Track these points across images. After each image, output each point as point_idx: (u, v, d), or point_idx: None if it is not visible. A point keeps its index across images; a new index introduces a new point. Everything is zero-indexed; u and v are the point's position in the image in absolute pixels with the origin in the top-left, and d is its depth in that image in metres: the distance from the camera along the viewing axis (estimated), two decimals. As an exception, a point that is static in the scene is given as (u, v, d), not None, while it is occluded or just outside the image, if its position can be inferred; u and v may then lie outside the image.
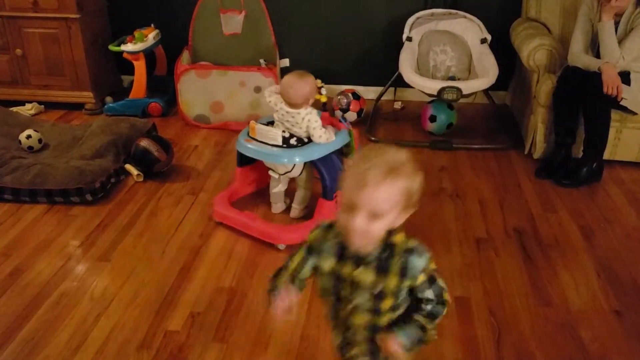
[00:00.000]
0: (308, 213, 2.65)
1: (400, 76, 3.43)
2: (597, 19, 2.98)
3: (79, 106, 3.84)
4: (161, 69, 4.08)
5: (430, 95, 3.33)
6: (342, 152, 2.59)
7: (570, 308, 2.11)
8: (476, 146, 3.40)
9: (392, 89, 4.09)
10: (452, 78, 3.57)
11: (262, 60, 3.81)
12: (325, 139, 2.42)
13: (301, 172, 2.54)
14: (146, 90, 3.78)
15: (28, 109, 3.78)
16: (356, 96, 3.69)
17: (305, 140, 2.42)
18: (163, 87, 3.94)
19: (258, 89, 3.53)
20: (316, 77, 4.11)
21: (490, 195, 2.88)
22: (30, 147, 3.11)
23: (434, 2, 3.79)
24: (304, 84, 2.36)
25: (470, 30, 3.57)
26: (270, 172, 2.55)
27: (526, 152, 3.30)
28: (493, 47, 3.50)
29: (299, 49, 4.09)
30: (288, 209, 2.70)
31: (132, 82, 3.78)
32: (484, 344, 1.94)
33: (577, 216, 2.71)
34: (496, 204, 2.81)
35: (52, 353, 1.90)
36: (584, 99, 2.95)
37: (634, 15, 2.91)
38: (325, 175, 2.44)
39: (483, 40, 3.50)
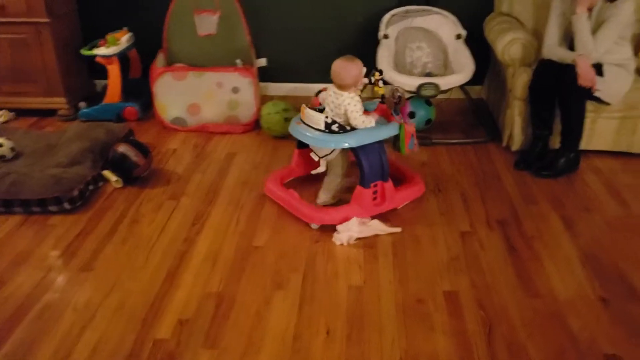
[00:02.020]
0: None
1: (377, 73, 3.42)
2: (571, 12, 3.02)
3: (51, 112, 3.75)
4: (135, 72, 4.01)
5: (408, 91, 3.33)
6: (394, 146, 2.68)
7: (557, 298, 2.13)
8: (455, 141, 3.42)
9: (370, 86, 4.09)
10: (429, 74, 3.59)
11: (238, 61, 3.78)
12: (361, 122, 2.50)
13: (335, 157, 2.62)
14: (121, 94, 3.72)
15: (-2, 117, 3.69)
16: (334, 94, 3.68)
17: (348, 127, 2.53)
18: (138, 90, 3.87)
19: (236, 90, 3.49)
20: (294, 76, 4.15)
21: (472, 189, 2.90)
22: (2, 156, 3.03)
23: (408, -2, 3.81)
24: (354, 66, 2.53)
25: (445, 26, 3.58)
26: (312, 154, 2.70)
27: (504, 144, 3.33)
28: (467, 41, 3.53)
29: (275, 48, 4.06)
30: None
31: (106, 87, 3.71)
32: (475, 338, 1.95)
33: (558, 206, 2.75)
34: (478, 197, 2.83)
35: (37, 367, 1.86)
36: (559, 92, 2.99)
37: (603, 8, 2.94)
38: (363, 163, 2.50)
39: (458, 36, 3.52)
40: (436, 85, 3.20)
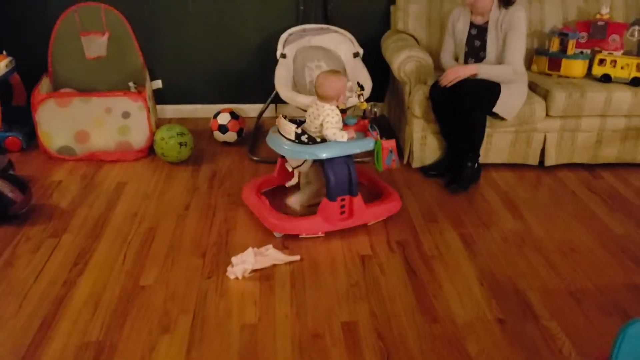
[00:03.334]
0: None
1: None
2: (461, 29, 3.08)
3: None
4: (19, 98, 3.72)
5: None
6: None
7: (456, 321, 2.09)
8: (359, 159, 3.36)
9: (273, 105, 4.01)
10: (330, 93, 3.54)
11: (131, 84, 3.59)
12: (332, 134, 2.51)
13: (308, 169, 2.67)
14: (2, 123, 3.42)
15: None
16: (234, 115, 3.56)
17: (318, 140, 2.54)
18: (22, 118, 3.58)
19: (126, 115, 3.29)
20: (192, 98, 4.00)
21: (374, 210, 2.85)
22: None
23: (306, 17, 3.76)
24: (337, 79, 2.56)
25: (342, 44, 3.54)
26: (286, 165, 2.74)
27: (405, 161, 3.32)
28: (367, 60, 3.50)
29: (171, 69, 3.90)
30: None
31: (-17, 116, 3.41)
32: (374, 371, 1.87)
33: (457, 224, 2.74)
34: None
35: None
36: (459, 110, 3.00)
37: (501, 15, 2.97)
38: (329, 176, 2.51)
39: (355, 55, 3.49)
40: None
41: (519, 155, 3.30)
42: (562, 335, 2.03)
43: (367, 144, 2.60)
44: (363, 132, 2.66)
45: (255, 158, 3.42)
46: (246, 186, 2.87)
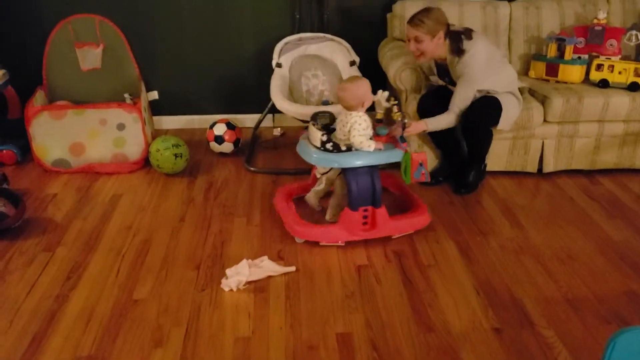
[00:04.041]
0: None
1: (275, 103, 3.34)
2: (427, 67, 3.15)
3: None
4: (14, 112, 3.71)
5: (304, 121, 3.25)
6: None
7: (451, 331, 2.06)
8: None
9: (270, 115, 4.01)
10: (326, 102, 3.51)
11: (127, 95, 3.59)
12: (359, 143, 2.48)
13: (335, 176, 2.69)
14: (-3, 136, 3.43)
15: None
16: (231, 126, 3.55)
17: (343, 147, 2.52)
18: (18, 132, 3.57)
19: (121, 126, 3.28)
20: (189, 108, 3.99)
21: (370, 219, 2.83)
22: None
23: (302, 26, 3.76)
24: (355, 87, 2.51)
25: (339, 53, 3.54)
26: (315, 171, 2.79)
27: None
28: (364, 68, 3.48)
29: (167, 80, 3.89)
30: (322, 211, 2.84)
31: (-22, 129, 3.41)
32: (368, 383, 1.84)
33: (454, 232, 2.72)
34: (376, 227, 2.75)
35: None
36: (463, 125, 2.99)
37: (453, 63, 2.90)
38: (351, 186, 2.50)
39: (352, 63, 3.49)
40: (331, 114, 3.12)
41: (518, 163, 3.27)
42: (559, 344, 2.00)
43: (395, 156, 2.56)
44: (392, 143, 2.61)
45: (252, 169, 3.40)
46: (279, 190, 2.90)
